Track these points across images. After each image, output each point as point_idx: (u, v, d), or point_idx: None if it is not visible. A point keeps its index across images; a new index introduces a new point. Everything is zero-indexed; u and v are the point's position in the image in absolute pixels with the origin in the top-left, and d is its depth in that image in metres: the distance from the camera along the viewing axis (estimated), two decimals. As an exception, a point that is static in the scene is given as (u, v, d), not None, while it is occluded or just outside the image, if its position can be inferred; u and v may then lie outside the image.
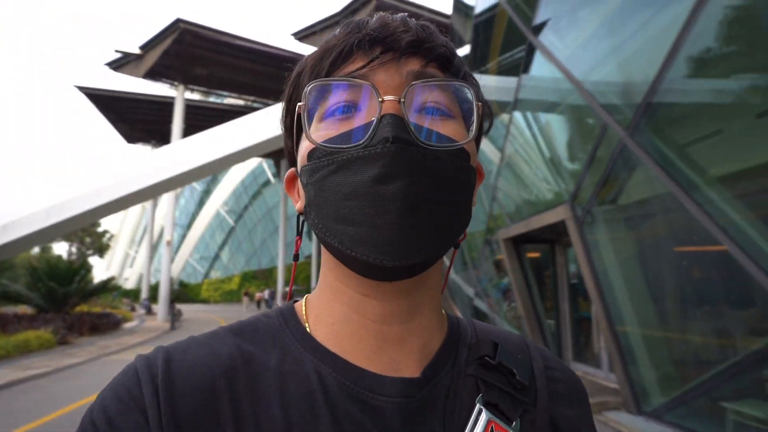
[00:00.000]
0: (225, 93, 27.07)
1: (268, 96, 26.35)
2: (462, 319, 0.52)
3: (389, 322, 0.43)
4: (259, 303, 29.06)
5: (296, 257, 0.50)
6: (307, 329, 0.45)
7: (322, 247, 0.44)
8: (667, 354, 4.09)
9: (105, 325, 15.03)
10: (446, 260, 0.52)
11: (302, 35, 21.28)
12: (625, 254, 4.49)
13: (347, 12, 19.20)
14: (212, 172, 15.98)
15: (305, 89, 0.41)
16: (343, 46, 0.41)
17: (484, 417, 0.41)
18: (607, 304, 4.62)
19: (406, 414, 0.40)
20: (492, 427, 0.41)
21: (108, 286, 17.10)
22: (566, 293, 6.84)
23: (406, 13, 0.45)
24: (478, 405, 0.42)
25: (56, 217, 12.56)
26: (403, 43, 0.40)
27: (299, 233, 0.49)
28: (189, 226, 51.36)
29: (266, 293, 29.03)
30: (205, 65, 22.91)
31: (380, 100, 0.38)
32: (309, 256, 34.10)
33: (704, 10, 3.07)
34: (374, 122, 0.38)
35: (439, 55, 0.42)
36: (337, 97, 0.41)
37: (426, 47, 0.41)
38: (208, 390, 0.39)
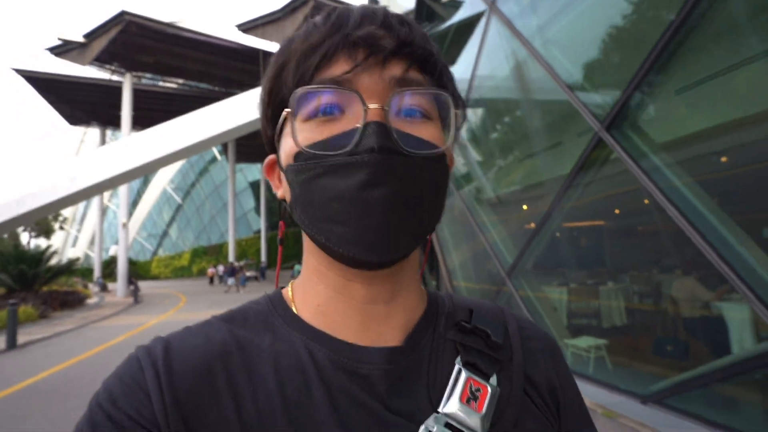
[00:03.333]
0: (172, 80, 27.88)
1: (214, 81, 27.58)
2: (439, 293, 0.56)
3: (374, 302, 0.46)
4: (211, 279, 28.55)
5: (281, 241, 0.55)
6: (294, 311, 0.48)
7: (303, 233, 0.46)
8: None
9: (72, 301, 16.74)
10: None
11: (246, 27, 22.67)
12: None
13: (287, 10, 20.97)
14: (177, 159, 17.76)
15: (293, 96, 0.42)
16: (327, 48, 0.42)
17: (463, 375, 0.45)
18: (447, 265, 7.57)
19: (391, 379, 0.44)
20: (471, 384, 0.44)
21: (72, 267, 18.65)
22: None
23: (386, 6, 0.47)
24: (457, 365, 0.46)
25: (27, 206, 14.13)
26: (386, 49, 0.42)
27: (281, 217, 0.53)
28: (135, 204, 51.16)
29: (220, 269, 28.37)
30: (152, 54, 23.81)
31: (365, 107, 0.40)
32: (258, 231, 36.01)
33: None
34: (359, 129, 0.40)
35: (419, 58, 0.44)
36: (322, 100, 0.42)
37: (407, 51, 0.43)
38: (205, 370, 0.42)
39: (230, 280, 23.59)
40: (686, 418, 3.17)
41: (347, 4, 0.46)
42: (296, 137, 0.42)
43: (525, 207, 5.26)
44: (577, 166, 3.80)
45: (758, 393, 2.95)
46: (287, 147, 0.45)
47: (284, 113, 0.44)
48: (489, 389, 0.45)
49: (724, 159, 3.02)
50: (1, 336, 9.54)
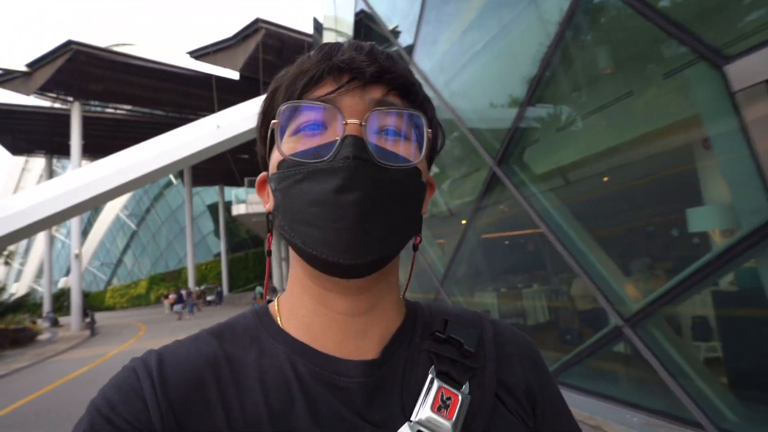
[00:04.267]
0: (121, 106, 27.57)
1: (167, 107, 27.51)
2: (420, 303, 0.58)
3: (352, 314, 0.49)
4: (172, 306, 26.18)
5: (269, 253, 0.56)
6: (280, 324, 0.51)
7: (290, 247, 0.49)
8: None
9: (23, 338, 16.25)
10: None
11: (197, 54, 23.01)
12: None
13: (239, 38, 21.52)
14: (137, 187, 17.75)
15: (280, 108, 0.47)
16: (314, 72, 0.47)
17: (435, 384, 0.47)
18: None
19: (368, 391, 0.46)
20: (442, 392, 0.46)
21: (24, 303, 18.06)
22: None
23: (374, 43, 0.51)
24: (430, 375, 0.48)
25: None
26: (368, 73, 0.46)
27: (270, 230, 0.54)
28: (85, 232, 49.21)
29: (183, 293, 25.68)
30: (101, 81, 23.61)
31: (344, 122, 0.44)
32: (218, 254, 35.50)
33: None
34: (338, 141, 0.44)
35: (399, 85, 0.48)
36: (307, 117, 0.46)
37: (388, 78, 0.47)
38: (197, 380, 0.44)
39: (177, 307, 23.11)
40: (570, 390, 4.02)
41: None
42: (281, 147, 0.46)
43: (446, 227, 6.12)
44: (480, 193, 4.68)
45: (610, 362, 3.86)
46: (274, 159, 0.49)
47: (271, 125, 0.47)
48: (460, 397, 0.46)
49: (581, 185, 3.94)
50: (-47, 377, 9.45)
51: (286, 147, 0.47)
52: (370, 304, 0.50)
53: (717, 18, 2.35)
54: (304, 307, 0.50)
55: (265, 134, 0.51)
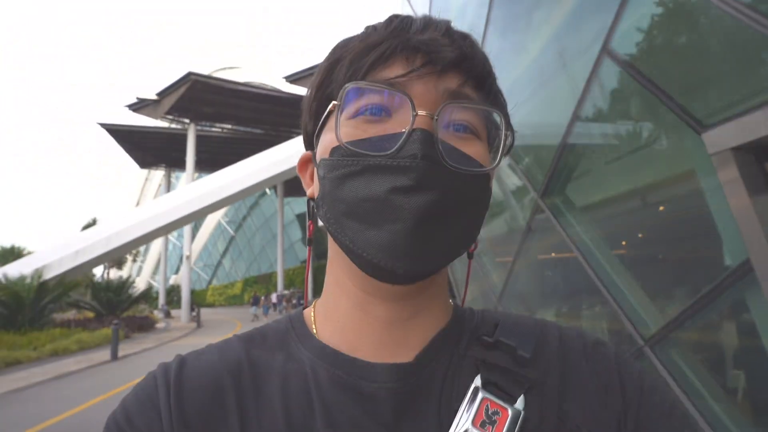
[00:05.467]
0: (228, 126, 31.32)
1: (265, 126, 30.69)
2: (472, 309, 0.52)
3: (392, 321, 0.44)
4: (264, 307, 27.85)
5: (310, 241, 0.52)
6: (313, 329, 0.47)
7: (330, 239, 0.44)
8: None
9: (146, 325, 19.23)
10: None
11: (292, 78, 25.58)
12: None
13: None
14: (238, 199, 20.35)
15: (343, 89, 0.41)
16: (384, 49, 0.41)
17: (480, 395, 0.40)
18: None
19: (398, 399, 0.41)
20: (487, 406, 0.40)
21: (146, 296, 21.40)
22: None
23: (450, 21, 0.44)
24: (473, 385, 0.41)
25: (115, 243, 16.84)
26: (447, 59, 0.40)
27: (310, 217, 0.49)
28: (192, 237, 55.52)
29: (273, 297, 28.63)
30: (212, 105, 27.15)
31: (414, 113, 0.39)
32: (305, 261, 37.34)
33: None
34: (405, 134, 0.39)
35: (476, 75, 0.43)
36: (371, 99, 0.41)
37: (466, 66, 0.42)
38: (215, 387, 0.42)
39: (253, 309, 24.37)
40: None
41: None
42: (338, 132, 0.41)
43: (502, 247, 6.73)
44: (528, 222, 5.32)
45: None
46: (326, 141, 0.44)
47: (330, 106, 0.43)
48: (510, 412, 0.40)
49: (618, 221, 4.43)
50: (101, 351, 11.80)
51: (344, 132, 0.41)
52: (414, 311, 0.45)
53: (699, 93, 2.93)
54: (338, 309, 0.46)
55: (317, 110, 0.46)
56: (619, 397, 0.43)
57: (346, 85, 0.41)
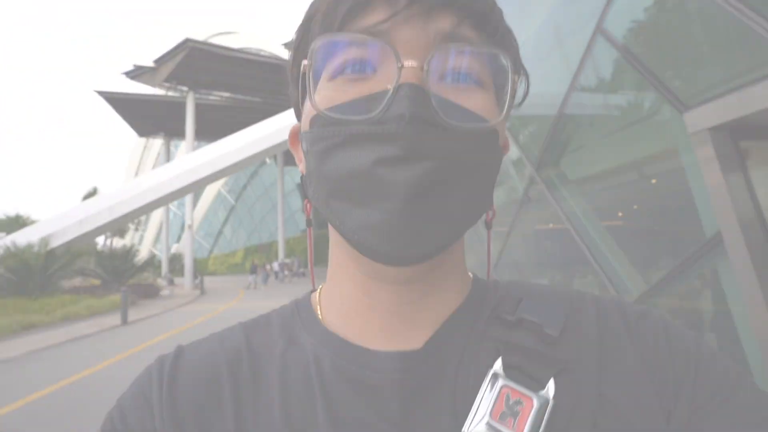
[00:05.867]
0: (227, 94, 30.99)
1: (263, 94, 30.40)
2: (497, 282, 0.45)
3: (399, 305, 0.39)
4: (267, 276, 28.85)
5: (309, 222, 0.47)
6: (318, 315, 0.43)
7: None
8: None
9: (151, 292, 19.72)
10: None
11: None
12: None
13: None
14: (240, 168, 20.46)
15: (312, 45, 0.35)
16: None
17: (499, 382, 0.35)
18: None
19: (406, 391, 0.36)
20: (507, 395, 0.34)
21: (150, 264, 21.83)
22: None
23: None
24: (491, 371, 0.36)
25: (119, 212, 17.08)
26: None
27: (305, 195, 0.43)
28: (193, 206, 55.96)
29: (275, 265, 31.03)
30: (210, 73, 26.80)
31: (400, 65, 0.32)
32: (305, 230, 37.86)
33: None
34: (389, 92, 0.32)
35: (475, 11, 0.36)
36: (349, 54, 0.35)
37: (461, 1, 0.35)
38: (211, 379, 0.40)
39: (251, 278, 24.06)
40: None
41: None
42: (313, 97, 0.35)
43: (498, 217, 7.02)
44: (525, 193, 5.55)
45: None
46: (306, 110, 0.39)
47: (302, 66, 0.36)
48: (534, 402, 0.34)
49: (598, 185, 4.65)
50: (110, 316, 12.25)
51: (321, 97, 0.36)
52: (423, 293, 0.40)
53: (684, 74, 3.12)
54: (342, 294, 0.42)
55: (297, 75, 0.40)
56: (670, 378, 0.37)
57: (315, 40, 0.35)
